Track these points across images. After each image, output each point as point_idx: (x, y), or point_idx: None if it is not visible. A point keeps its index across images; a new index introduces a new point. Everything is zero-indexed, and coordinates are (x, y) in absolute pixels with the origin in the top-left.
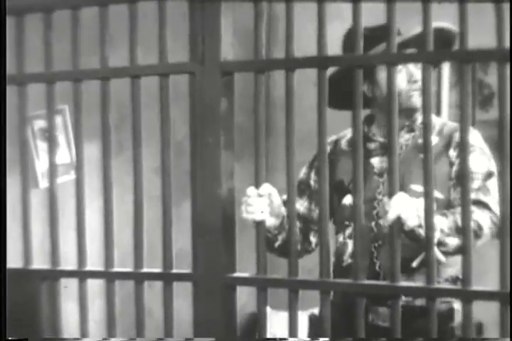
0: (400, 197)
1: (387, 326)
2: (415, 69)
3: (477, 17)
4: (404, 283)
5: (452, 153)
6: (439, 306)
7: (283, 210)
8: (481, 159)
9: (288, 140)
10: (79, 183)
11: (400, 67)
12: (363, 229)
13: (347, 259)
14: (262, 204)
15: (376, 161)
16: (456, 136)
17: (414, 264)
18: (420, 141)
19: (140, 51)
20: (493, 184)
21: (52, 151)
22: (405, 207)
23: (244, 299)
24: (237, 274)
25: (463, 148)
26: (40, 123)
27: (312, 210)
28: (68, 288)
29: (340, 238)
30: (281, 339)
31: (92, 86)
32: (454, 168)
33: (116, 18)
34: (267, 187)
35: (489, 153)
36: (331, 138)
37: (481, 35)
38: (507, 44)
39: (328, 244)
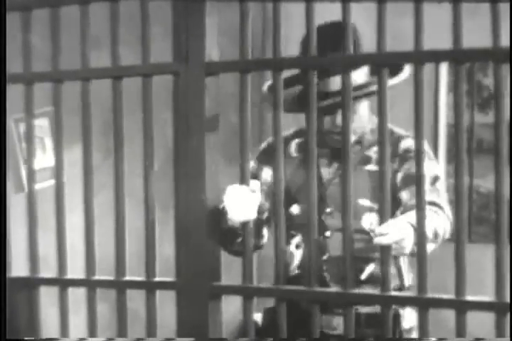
0: (396, 224)
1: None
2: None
3: (472, 17)
4: (394, 293)
5: (397, 160)
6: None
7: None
8: (429, 164)
9: (276, 139)
10: (58, 188)
11: None
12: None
13: (294, 270)
14: (254, 201)
15: (325, 172)
16: (402, 144)
17: (363, 277)
18: (368, 153)
19: (127, 51)
20: (442, 186)
21: (30, 156)
22: (401, 236)
23: (237, 305)
24: (222, 283)
25: (457, 149)
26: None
27: (263, 203)
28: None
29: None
30: None
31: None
32: (400, 174)
33: (103, 18)
34: (256, 184)
35: (434, 157)
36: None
37: (476, 36)
38: (503, 43)
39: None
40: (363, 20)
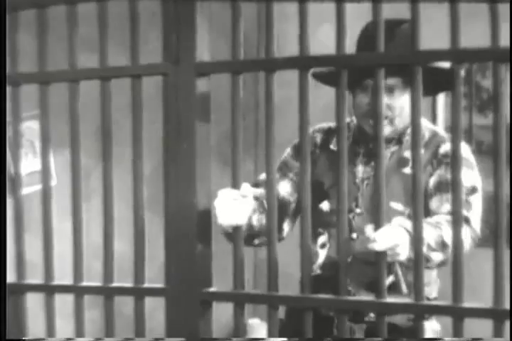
0: (390, 231)
1: None
2: (389, 98)
3: (470, 17)
4: (392, 300)
5: (434, 164)
6: (407, 323)
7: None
8: (467, 173)
9: (267, 144)
10: (45, 193)
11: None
12: (346, 241)
13: (316, 269)
14: (247, 206)
15: (359, 170)
16: (443, 148)
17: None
18: (406, 154)
19: (120, 53)
20: (476, 199)
21: (17, 160)
22: (395, 242)
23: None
24: (213, 289)
25: (454, 153)
26: None
27: (291, 194)
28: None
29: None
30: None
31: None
32: (433, 178)
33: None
34: (247, 187)
35: (476, 168)
36: (321, 126)
37: (475, 37)
38: (502, 43)
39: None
40: (357, 20)
